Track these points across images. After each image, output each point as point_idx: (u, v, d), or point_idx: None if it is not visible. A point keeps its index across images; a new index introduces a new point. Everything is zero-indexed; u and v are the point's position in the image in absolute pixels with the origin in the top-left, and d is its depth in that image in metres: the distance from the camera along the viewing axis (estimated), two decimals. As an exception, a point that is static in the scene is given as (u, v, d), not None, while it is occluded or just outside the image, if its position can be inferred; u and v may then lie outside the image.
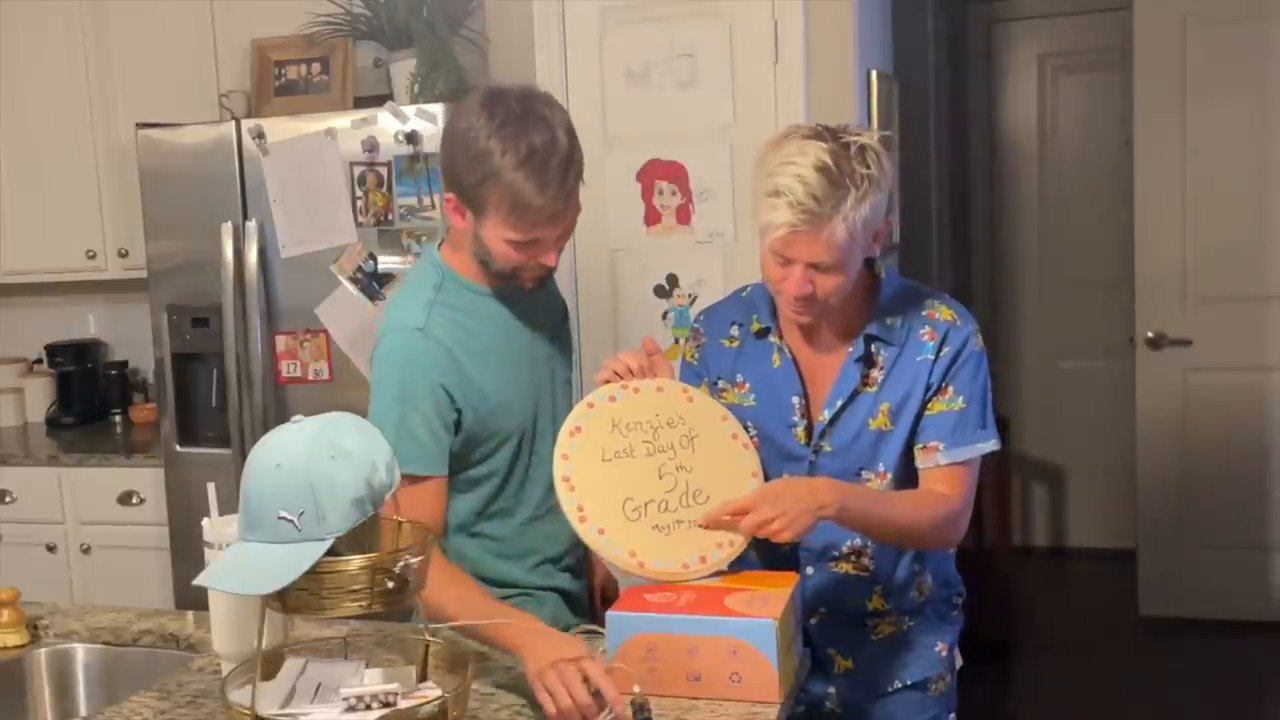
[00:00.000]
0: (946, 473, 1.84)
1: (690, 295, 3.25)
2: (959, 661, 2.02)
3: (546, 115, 1.82)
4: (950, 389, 1.85)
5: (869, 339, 1.86)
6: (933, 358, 1.85)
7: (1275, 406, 4.35)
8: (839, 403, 1.87)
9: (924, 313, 1.88)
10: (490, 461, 1.94)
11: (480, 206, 1.82)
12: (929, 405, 1.85)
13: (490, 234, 1.84)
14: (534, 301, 2.01)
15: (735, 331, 1.97)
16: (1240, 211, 4.33)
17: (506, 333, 1.96)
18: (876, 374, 1.86)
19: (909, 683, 1.95)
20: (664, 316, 3.27)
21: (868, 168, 1.72)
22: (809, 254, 1.74)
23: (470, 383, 1.88)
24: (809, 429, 1.89)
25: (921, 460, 1.86)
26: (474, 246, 1.89)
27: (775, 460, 1.88)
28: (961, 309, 1.92)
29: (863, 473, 1.87)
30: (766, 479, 1.84)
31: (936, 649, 1.96)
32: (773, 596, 1.63)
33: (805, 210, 1.69)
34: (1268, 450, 4.36)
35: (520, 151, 1.77)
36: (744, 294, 2.02)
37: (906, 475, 1.89)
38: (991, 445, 1.87)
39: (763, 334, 1.93)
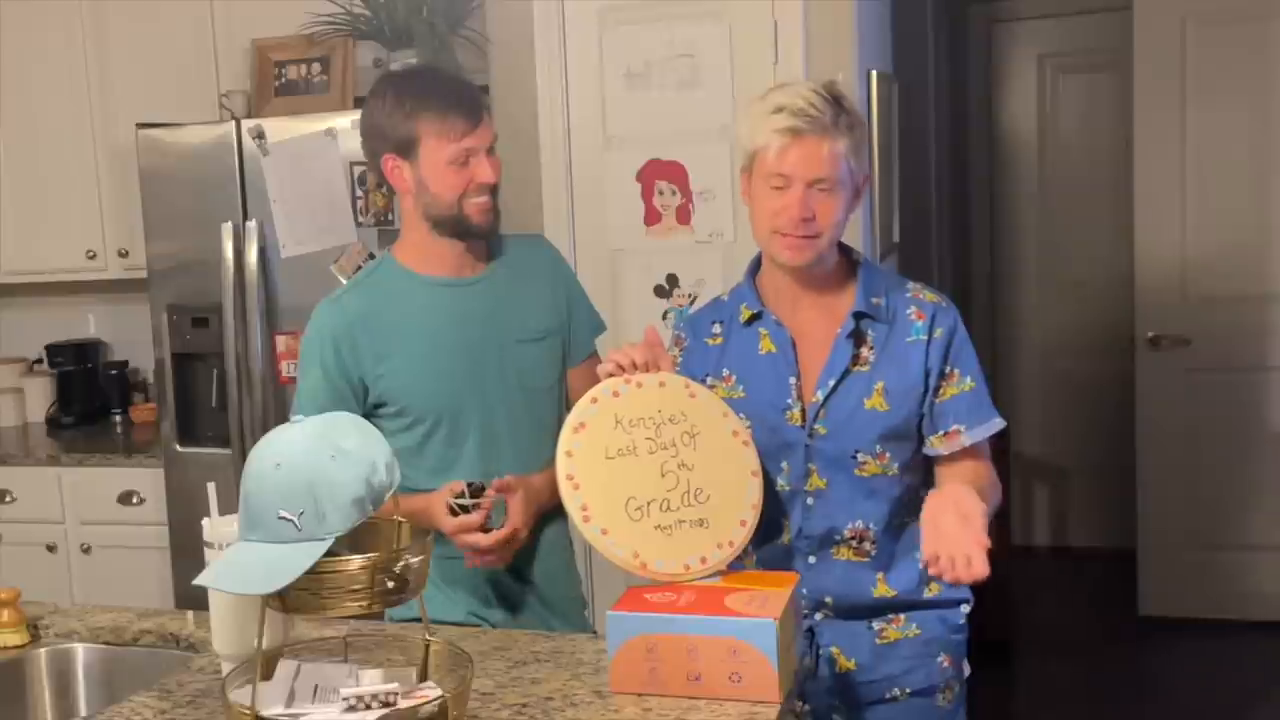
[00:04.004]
0: (972, 453, 1.88)
1: (690, 295, 3.25)
2: (967, 671, 2.02)
3: (431, 68, 2.39)
4: (956, 372, 1.88)
5: (857, 316, 1.89)
6: (925, 338, 1.88)
7: (1275, 406, 4.35)
8: (831, 382, 1.88)
9: (908, 294, 1.93)
10: (401, 437, 2.06)
11: (413, 144, 2.03)
12: (940, 391, 1.87)
13: (429, 168, 2.03)
14: (484, 301, 2.11)
15: (717, 329, 1.99)
16: (1240, 211, 4.32)
17: (432, 319, 2.09)
18: (867, 353, 1.89)
19: (910, 690, 1.94)
20: (664, 316, 3.27)
21: (854, 109, 1.87)
22: (809, 167, 1.80)
23: (363, 352, 2.06)
24: (803, 412, 1.89)
25: (944, 446, 1.88)
26: (421, 204, 2.07)
27: (771, 450, 1.89)
28: (942, 294, 1.97)
29: (858, 455, 1.88)
30: (764, 473, 1.84)
31: (939, 660, 1.95)
32: (773, 596, 1.63)
33: (808, 116, 1.80)
34: (1268, 450, 4.35)
35: (420, 80, 2.13)
36: (723, 297, 2.05)
37: (906, 459, 1.89)
38: (1001, 424, 1.91)
39: (753, 320, 1.95)
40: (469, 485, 1.97)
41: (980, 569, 1.61)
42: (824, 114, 1.80)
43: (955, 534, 1.63)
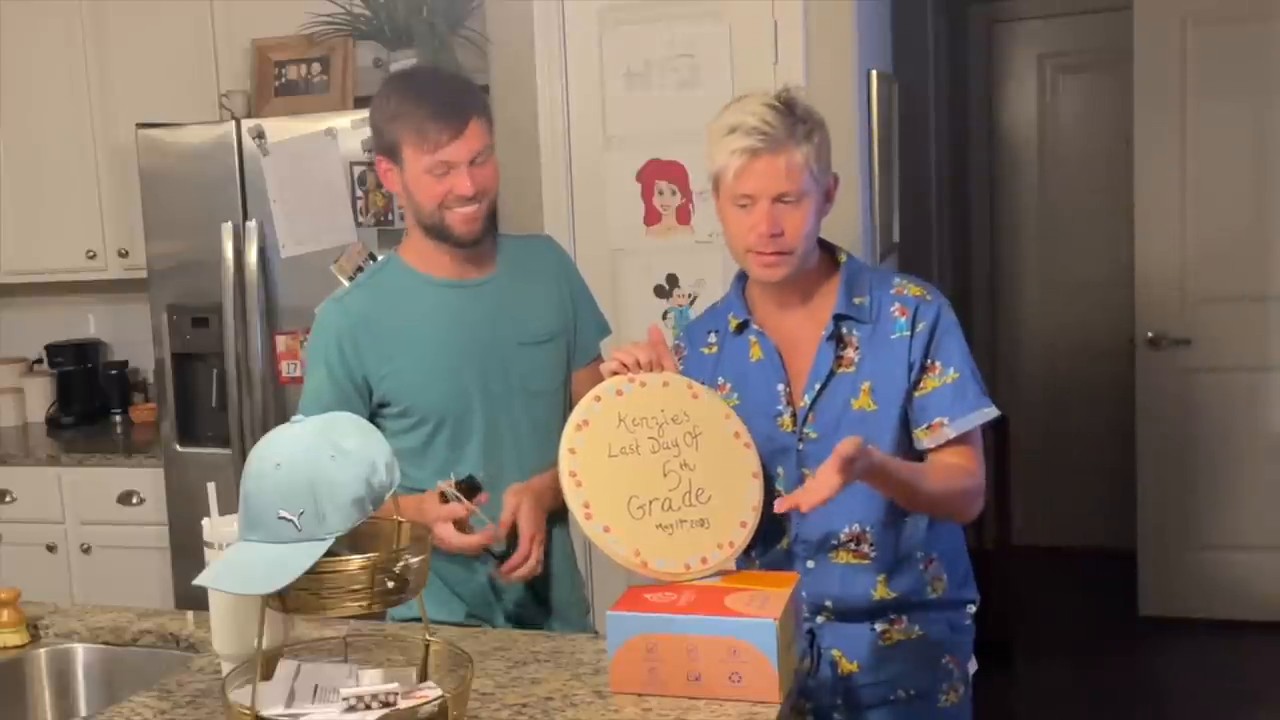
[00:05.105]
0: (957, 446, 1.87)
1: (690, 295, 3.25)
2: (974, 667, 2.01)
3: (434, 69, 2.43)
4: (938, 364, 1.88)
5: (839, 318, 1.89)
6: (908, 334, 1.87)
7: (1275, 406, 4.35)
8: (817, 385, 1.88)
9: (891, 290, 1.92)
10: (405, 437, 2.05)
11: (397, 148, 2.02)
12: (921, 385, 1.87)
13: (411, 176, 2.02)
14: (489, 303, 2.10)
15: (712, 339, 2.00)
16: (1240, 211, 4.33)
17: (437, 320, 2.08)
18: (852, 354, 1.88)
19: (914, 692, 1.93)
20: (664, 316, 3.27)
21: (811, 114, 1.86)
22: (770, 183, 1.80)
23: (367, 352, 2.05)
24: (794, 416, 1.89)
25: (929, 439, 1.87)
26: (410, 210, 2.07)
27: (767, 456, 1.88)
28: (929, 285, 1.96)
29: None
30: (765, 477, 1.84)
31: (944, 661, 1.95)
32: (773, 596, 1.63)
33: (762, 134, 1.80)
34: (1267, 450, 4.35)
35: (414, 82, 2.10)
36: (717, 305, 2.05)
37: (900, 458, 1.88)
38: (993, 412, 1.89)
39: (741, 329, 1.95)
40: (463, 480, 1.97)
41: (813, 494, 1.60)
42: (777, 128, 1.79)
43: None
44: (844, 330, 1.89)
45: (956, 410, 1.86)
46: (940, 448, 1.87)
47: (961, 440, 1.87)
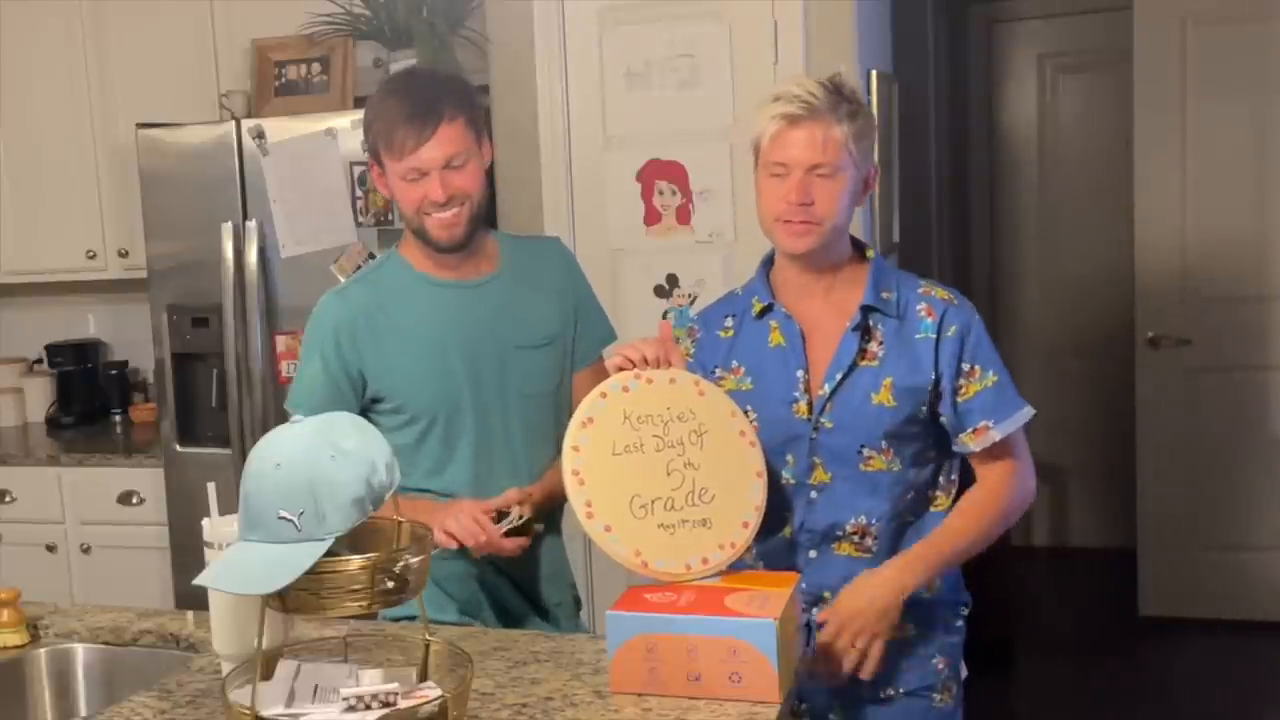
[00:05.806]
0: (1003, 446, 1.88)
1: (690, 295, 3.25)
2: (965, 672, 2.02)
3: (430, 70, 2.30)
4: (977, 368, 1.89)
5: (866, 310, 1.89)
6: (934, 335, 1.88)
7: (1275, 406, 4.35)
8: (838, 375, 1.88)
9: (919, 290, 1.92)
10: (397, 434, 2.04)
11: (378, 153, 2.01)
12: (962, 390, 1.87)
13: (391, 181, 2.02)
14: (488, 304, 2.09)
15: (729, 322, 2.00)
16: (1240, 211, 4.32)
17: (435, 319, 2.07)
18: (876, 348, 1.88)
19: (902, 690, 1.93)
20: (664, 316, 3.27)
21: (858, 98, 1.88)
22: (806, 153, 1.81)
23: (365, 346, 2.05)
24: (810, 404, 1.89)
25: (975, 442, 1.88)
26: (399, 210, 2.07)
27: (776, 443, 1.89)
28: (955, 290, 1.97)
29: (864, 450, 1.87)
30: (769, 469, 1.84)
31: (934, 661, 1.95)
32: (773, 596, 1.63)
33: (804, 103, 1.81)
34: (1268, 450, 4.35)
35: (393, 86, 2.07)
36: (737, 291, 2.05)
37: (911, 456, 1.89)
38: (1031, 412, 1.91)
39: (764, 313, 1.95)
40: (525, 519, 1.98)
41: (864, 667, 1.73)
42: (820, 100, 1.81)
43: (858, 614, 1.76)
44: (870, 323, 1.89)
45: (1000, 414, 1.88)
46: (986, 452, 1.88)
47: (1004, 446, 1.89)
